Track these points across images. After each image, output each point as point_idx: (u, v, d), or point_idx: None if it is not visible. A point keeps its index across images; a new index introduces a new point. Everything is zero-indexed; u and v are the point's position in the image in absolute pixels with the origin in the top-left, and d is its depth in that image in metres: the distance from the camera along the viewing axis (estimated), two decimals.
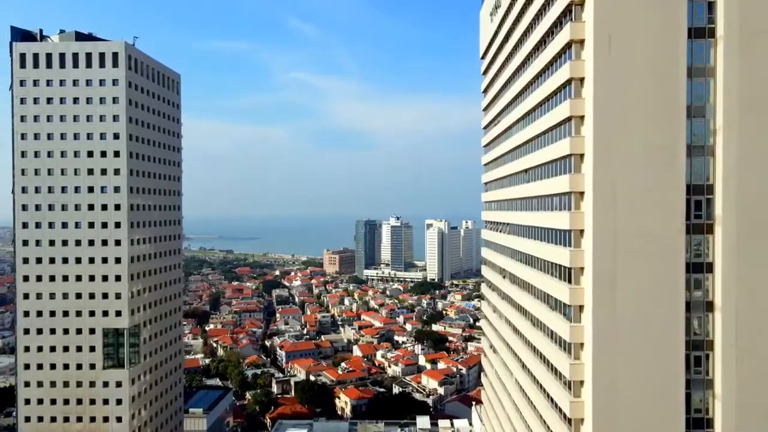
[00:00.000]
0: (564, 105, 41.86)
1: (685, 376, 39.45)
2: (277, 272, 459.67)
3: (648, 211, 38.58)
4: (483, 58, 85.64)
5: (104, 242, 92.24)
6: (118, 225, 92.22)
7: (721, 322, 39.24)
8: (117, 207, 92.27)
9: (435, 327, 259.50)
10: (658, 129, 38.68)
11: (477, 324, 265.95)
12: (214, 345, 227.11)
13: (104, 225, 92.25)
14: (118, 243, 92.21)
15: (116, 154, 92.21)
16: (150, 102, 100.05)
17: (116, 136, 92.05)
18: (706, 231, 39.84)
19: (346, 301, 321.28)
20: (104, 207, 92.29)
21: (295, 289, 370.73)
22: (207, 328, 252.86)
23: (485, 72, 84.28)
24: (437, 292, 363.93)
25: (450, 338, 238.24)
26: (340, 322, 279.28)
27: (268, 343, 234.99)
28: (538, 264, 50.08)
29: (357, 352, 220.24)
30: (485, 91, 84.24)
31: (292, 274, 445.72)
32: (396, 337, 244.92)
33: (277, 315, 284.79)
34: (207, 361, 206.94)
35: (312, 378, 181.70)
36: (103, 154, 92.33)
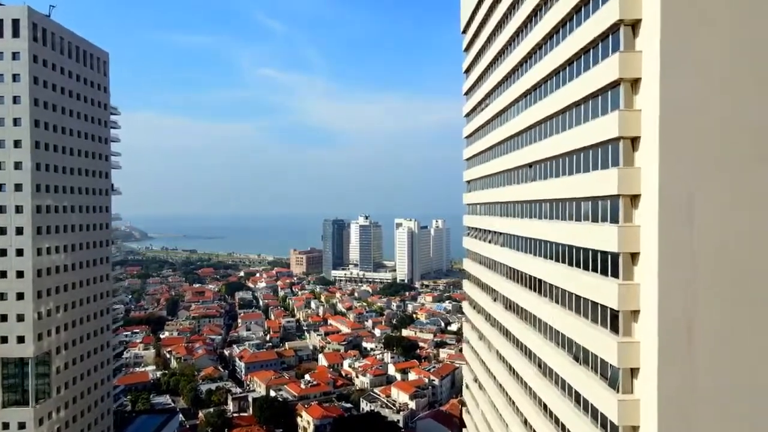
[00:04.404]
0: (608, 63, 27.73)
1: None
2: (242, 273, 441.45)
3: (745, 226, 24.86)
4: (465, 31, 71.61)
5: (2, 252, 75.15)
6: (19, 231, 75.19)
7: None
8: (18, 209, 75.22)
9: (405, 332, 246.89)
10: (761, 97, 24.94)
11: (449, 328, 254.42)
12: (167, 355, 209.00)
13: (2, 231, 75.14)
14: (19, 253, 75.20)
15: (17, 144, 75.12)
16: (64, 82, 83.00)
17: (16, 122, 74.96)
18: None
19: (313, 305, 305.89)
20: (1, 209, 75.16)
21: (260, 291, 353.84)
22: (161, 336, 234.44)
23: (468, 48, 70.26)
24: (407, 293, 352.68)
25: (421, 344, 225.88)
26: (305, 328, 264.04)
27: (227, 352, 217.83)
28: (554, 294, 36.03)
29: (323, 361, 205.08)
30: (468, 70, 70.24)
31: (257, 275, 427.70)
32: (364, 344, 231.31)
33: (239, 320, 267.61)
34: (158, 374, 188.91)
35: (272, 393, 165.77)
36: (0, 144, 75.15)
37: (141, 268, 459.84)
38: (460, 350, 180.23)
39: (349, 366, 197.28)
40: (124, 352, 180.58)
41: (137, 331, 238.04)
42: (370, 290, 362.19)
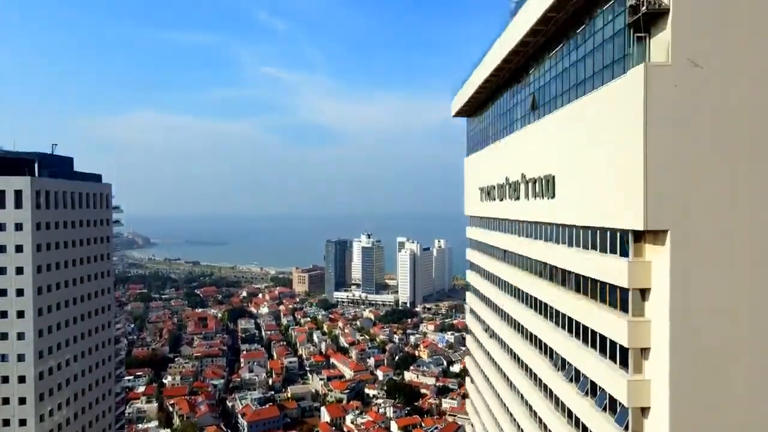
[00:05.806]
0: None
1: None
2: (244, 293, 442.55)
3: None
4: None
5: (6, 422, 75.29)
6: (22, 401, 75.35)
7: None
8: (21, 379, 75.32)
9: (407, 375, 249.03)
10: None
11: (451, 369, 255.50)
12: (170, 408, 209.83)
13: (5, 401, 75.27)
14: (23, 423, 75.40)
15: (20, 314, 75.04)
16: (67, 235, 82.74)
17: (20, 293, 74.79)
18: None
19: (315, 338, 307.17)
20: (5, 379, 75.27)
21: (262, 318, 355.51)
22: (165, 381, 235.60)
23: None
24: (409, 320, 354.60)
25: (423, 390, 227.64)
26: (308, 368, 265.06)
27: (230, 403, 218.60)
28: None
29: (325, 416, 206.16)
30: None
31: (260, 295, 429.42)
32: (367, 390, 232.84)
33: (242, 360, 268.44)
34: None
35: None
36: (3, 315, 75.06)
37: (143, 285, 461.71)
38: (463, 396, 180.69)
39: (351, 422, 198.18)
40: (127, 407, 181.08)
41: (140, 374, 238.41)
42: (373, 317, 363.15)
